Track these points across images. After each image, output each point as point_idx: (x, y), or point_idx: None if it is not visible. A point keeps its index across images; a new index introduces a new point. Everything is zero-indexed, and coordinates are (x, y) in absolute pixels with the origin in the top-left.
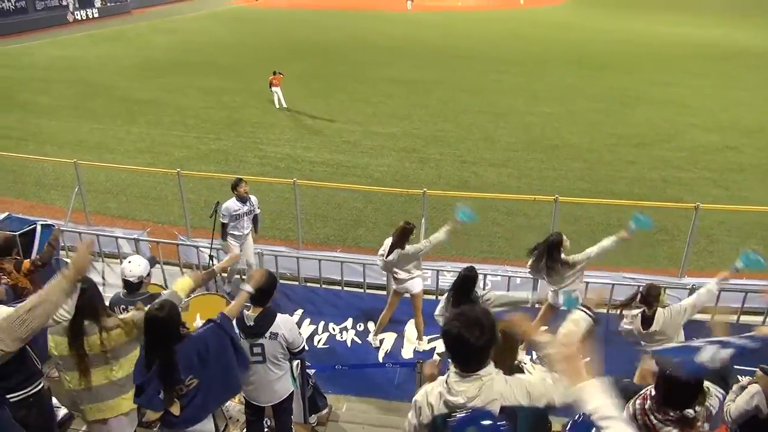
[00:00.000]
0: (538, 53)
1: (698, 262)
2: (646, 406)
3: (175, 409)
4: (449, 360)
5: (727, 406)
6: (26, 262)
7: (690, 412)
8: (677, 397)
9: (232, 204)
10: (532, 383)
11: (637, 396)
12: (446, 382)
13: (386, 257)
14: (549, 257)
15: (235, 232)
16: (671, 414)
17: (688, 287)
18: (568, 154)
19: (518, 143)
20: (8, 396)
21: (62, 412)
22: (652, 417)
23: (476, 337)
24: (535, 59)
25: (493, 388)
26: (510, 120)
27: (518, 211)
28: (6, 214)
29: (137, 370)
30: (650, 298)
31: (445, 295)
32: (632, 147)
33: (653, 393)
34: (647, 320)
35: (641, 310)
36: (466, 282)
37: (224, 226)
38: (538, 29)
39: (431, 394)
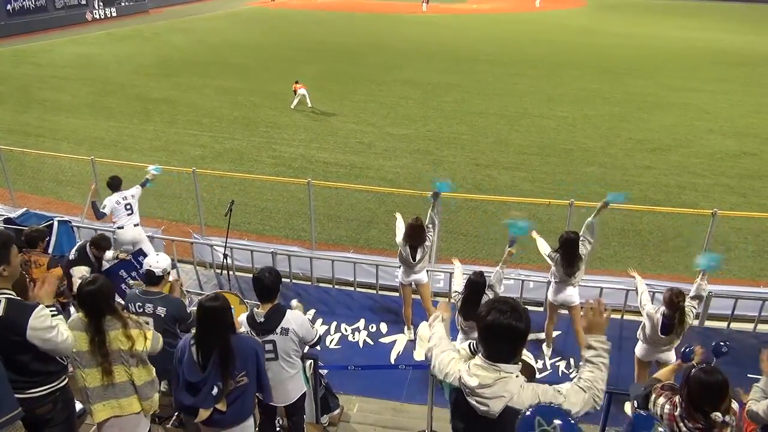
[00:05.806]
0: (554, 57)
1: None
2: (676, 413)
3: (222, 406)
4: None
5: (753, 407)
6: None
7: (717, 415)
8: (705, 398)
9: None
10: (544, 391)
11: (666, 400)
12: (468, 365)
13: (414, 260)
14: (572, 255)
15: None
16: (702, 423)
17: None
18: (583, 159)
19: (532, 146)
20: (35, 390)
21: (78, 406)
22: (681, 424)
23: (524, 326)
24: (551, 63)
25: (506, 385)
26: (524, 123)
27: (531, 215)
28: (24, 209)
29: (188, 369)
30: (675, 302)
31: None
32: (648, 152)
33: (681, 400)
34: (669, 327)
35: (662, 314)
36: (476, 287)
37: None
38: (555, 33)
39: (453, 368)
